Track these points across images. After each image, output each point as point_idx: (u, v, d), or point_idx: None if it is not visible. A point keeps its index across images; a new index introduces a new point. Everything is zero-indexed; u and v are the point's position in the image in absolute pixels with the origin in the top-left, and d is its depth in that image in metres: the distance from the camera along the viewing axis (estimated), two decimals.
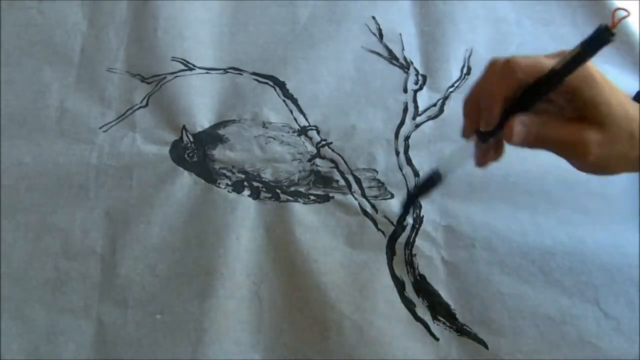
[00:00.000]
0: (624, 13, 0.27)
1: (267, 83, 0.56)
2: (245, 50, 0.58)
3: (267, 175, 0.51)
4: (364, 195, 0.50)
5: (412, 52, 0.58)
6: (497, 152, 0.38)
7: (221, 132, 0.53)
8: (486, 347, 0.44)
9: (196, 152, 0.52)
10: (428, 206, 0.50)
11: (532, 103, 0.34)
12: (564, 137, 0.34)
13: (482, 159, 0.38)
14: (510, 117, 0.34)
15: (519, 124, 0.34)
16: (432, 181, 0.42)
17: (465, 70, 0.57)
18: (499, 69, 0.34)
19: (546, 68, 0.32)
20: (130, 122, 0.53)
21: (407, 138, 0.53)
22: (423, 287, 0.46)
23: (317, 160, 0.52)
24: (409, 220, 0.49)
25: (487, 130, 0.35)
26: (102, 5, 0.59)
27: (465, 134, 0.38)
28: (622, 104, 0.33)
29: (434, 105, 0.55)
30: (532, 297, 0.45)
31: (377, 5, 0.60)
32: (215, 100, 0.55)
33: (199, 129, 0.53)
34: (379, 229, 0.48)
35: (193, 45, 0.57)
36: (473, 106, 0.37)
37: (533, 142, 0.34)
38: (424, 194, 0.44)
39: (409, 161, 0.52)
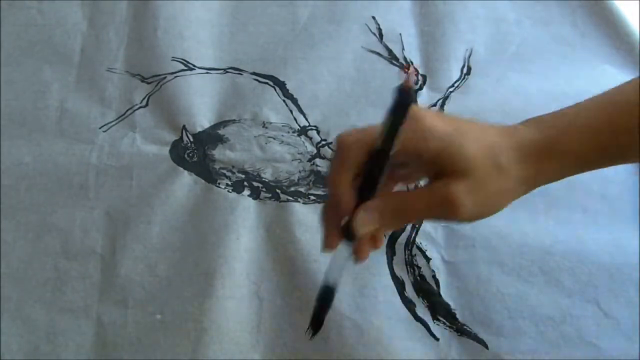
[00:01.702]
0: (409, 75, 0.28)
1: (267, 83, 0.56)
2: (245, 50, 0.58)
3: (267, 175, 0.51)
4: None
5: (412, 52, 0.58)
6: (375, 240, 0.34)
7: (221, 132, 0.53)
8: (486, 347, 0.44)
9: (196, 152, 0.52)
10: None
11: (375, 182, 0.32)
12: (428, 200, 0.31)
13: (362, 253, 0.34)
14: (366, 198, 0.32)
15: (363, 212, 0.31)
16: (326, 297, 0.37)
17: (465, 70, 0.57)
18: (336, 156, 0.32)
19: (371, 139, 0.30)
20: (130, 122, 0.53)
21: None
22: (423, 287, 0.46)
23: (317, 160, 0.52)
24: None
25: (348, 219, 0.32)
26: (102, 5, 0.59)
27: (328, 245, 0.34)
28: (477, 139, 0.31)
29: (434, 105, 0.55)
30: (532, 297, 0.45)
31: (377, 5, 0.60)
32: (215, 100, 0.55)
33: (199, 129, 0.53)
34: None
35: (193, 45, 0.57)
36: (331, 212, 0.34)
37: (395, 220, 0.32)
38: (325, 311, 0.38)
39: None
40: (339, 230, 0.33)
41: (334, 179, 0.32)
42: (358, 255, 0.34)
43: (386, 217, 0.32)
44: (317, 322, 0.38)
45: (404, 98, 0.29)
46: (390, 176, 0.33)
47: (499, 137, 0.32)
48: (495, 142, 0.32)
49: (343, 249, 0.34)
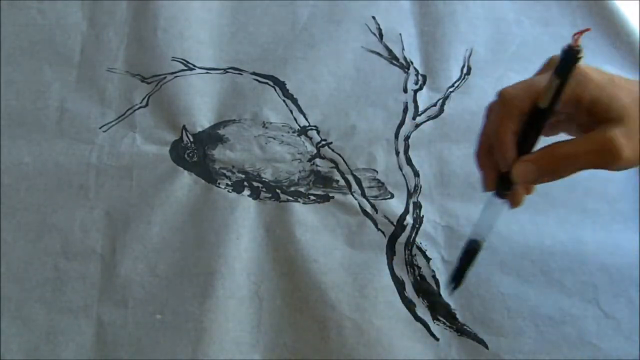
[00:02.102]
0: (578, 36, 0.29)
1: (267, 83, 0.56)
2: (245, 50, 0.58)
3: (267, 175, 0.51)
4: (364, 195, 0.50)
5: (412, 52, 0.58)
6: (529, 188, 0.37)
7: (221, 132, 0.53)
8: (486, 347, 0.44)
9: (196, 152, 0.52)
10: (428, 206, 0.50)
11: (536, 137, 0.33)
12: (586, 148, 0.33)
13: (518, 201, 0.37)
14: (525, 149, 0.34)
15: (522, 164, 0.33)
16: (473, 251, 0.40)
17: (465, 70, 0.57)
18: (495, 107, 0.34)
19: (538, 87, 0.32)
20: (130, 122, 0.53)
21: (407, 138, 0.53)
22: (423, 287, 0.46)
23: (317, 160, 0.52)
24: (409, 220, 0.49)
25: (507, 170, 0.34)
26: (102, 5, 0.59)
27: (488, 187, 0.37)
28: (629, 91, 0.33)
29: (434, 105, 0.55)
30: (532, 297, 0.45)
31: (377, 5, 0.60)
32: (215, 100, 0.55)
33: (199, 129, 0.53)
34: (379, 229, 0.48)
35: (193, 45, 0.57)
36: (485, 155, 0.37)
37: (553, 172, 0.33)
38: (467, 266, 0.41)
39: (409, 161, 0.52)
40: (494, 174, 0.36)
41: (497, 128, 0.34)
42: (514, 202, 0.37)
43: (544, 169, 0.33)
44: (459, 277, 0.41)
45: (571, 58, 0.29)
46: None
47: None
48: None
49: (493, 201, 0.37)
